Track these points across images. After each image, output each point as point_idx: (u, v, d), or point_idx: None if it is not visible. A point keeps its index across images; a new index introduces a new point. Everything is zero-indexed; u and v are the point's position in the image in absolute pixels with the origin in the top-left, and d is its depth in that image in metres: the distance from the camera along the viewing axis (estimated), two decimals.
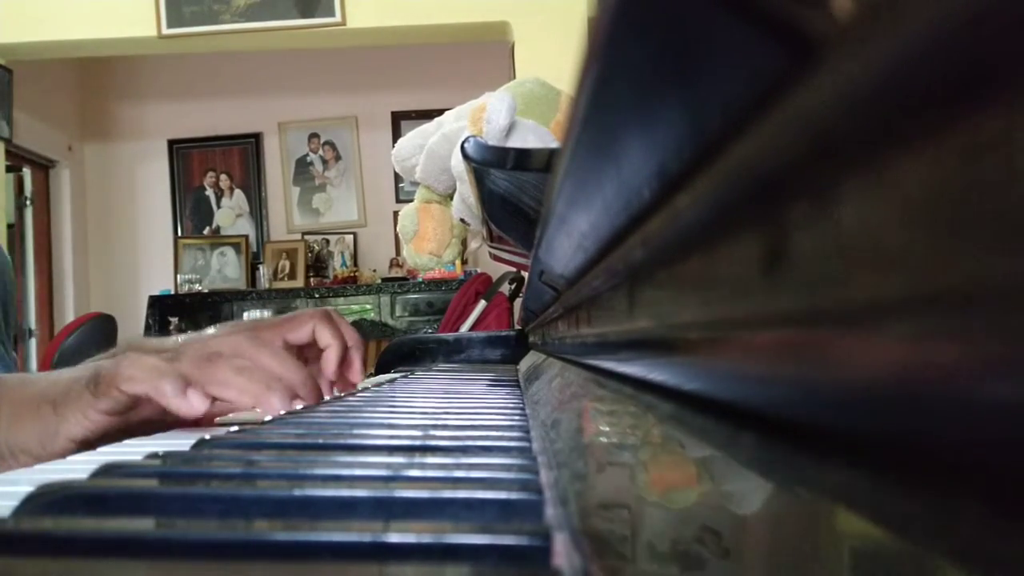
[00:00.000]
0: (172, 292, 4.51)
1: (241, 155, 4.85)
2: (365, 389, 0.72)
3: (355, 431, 0.43)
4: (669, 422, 0.23)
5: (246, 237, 4.76)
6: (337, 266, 4.67)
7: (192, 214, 4.87)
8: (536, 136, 1.40)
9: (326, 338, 0.61)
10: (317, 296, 4.33)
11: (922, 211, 0.10)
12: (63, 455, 0.47)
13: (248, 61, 4.54)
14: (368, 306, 4.26)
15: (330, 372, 0.62)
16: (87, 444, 0.48)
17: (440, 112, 1.71)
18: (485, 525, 0.23)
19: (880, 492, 0.11)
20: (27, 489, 0.25)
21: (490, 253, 1.51)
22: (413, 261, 1.87)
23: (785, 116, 0.14)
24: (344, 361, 0.63)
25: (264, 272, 4.60)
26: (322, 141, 4.82)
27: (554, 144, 1.35)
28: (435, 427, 0.43)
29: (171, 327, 4.22)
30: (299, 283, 4.54)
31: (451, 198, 1.64)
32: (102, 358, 0.53)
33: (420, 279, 4.16)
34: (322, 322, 0.61)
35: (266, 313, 4.31)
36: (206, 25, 3.57)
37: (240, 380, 0.50)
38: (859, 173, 0.11)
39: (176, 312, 4.30)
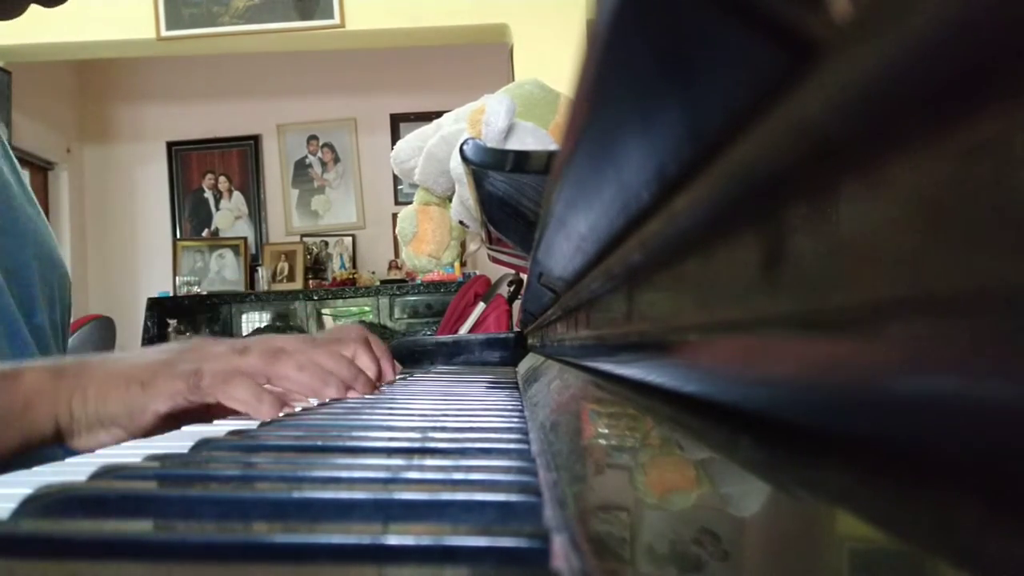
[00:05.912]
0: (171, 294, 4.49)
1: (240, 157, 4.84)
2: None
3: (354, 433, 0.43)
4: (667, 424, 0.23)
5: (245, 239, 4.76)
6: (336, 268, 4.66)
7: (191, 216, 4.86)
8: (535, 138, 1.40)
9: (365, 363, 0.69)
10: (316, 298, 4.32)
11: (920, 212, 0.10)
12: (151, 427, 0.55)
13: (247, 63, 4.54)
14: (367, 308, 4.25)
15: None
16: (171, 418, 0.56)
17: (439, 114, 1.71)
18: (484, 527, 0.23)
19: (878, 493, 0.11)
20: (26, 491, 0.25)
21: (489, 255, 1.51)
22: (412, 263, 1.87)
23: (784, 118, 0.14)
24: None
25: (263, 274, 4.60)
26: (321, 143, 4.82)
27: (553, 146, 1.36)
28: (434, 429, 0.43)
29: (170, 329, 4.22)
30: (298, 285, 4.53)
31: (450, 200, 1.64)
32: (174, 347, 0.61)
33: (419, 281, 4.16)
34: (362, 347, 0.70)
35: (266, 316, 4.32)
36: (205, 27, 3.57)
37: (302, 376, 0.60)
38: (857, 175, 0.11)
39: (175, 314, 4.29)
